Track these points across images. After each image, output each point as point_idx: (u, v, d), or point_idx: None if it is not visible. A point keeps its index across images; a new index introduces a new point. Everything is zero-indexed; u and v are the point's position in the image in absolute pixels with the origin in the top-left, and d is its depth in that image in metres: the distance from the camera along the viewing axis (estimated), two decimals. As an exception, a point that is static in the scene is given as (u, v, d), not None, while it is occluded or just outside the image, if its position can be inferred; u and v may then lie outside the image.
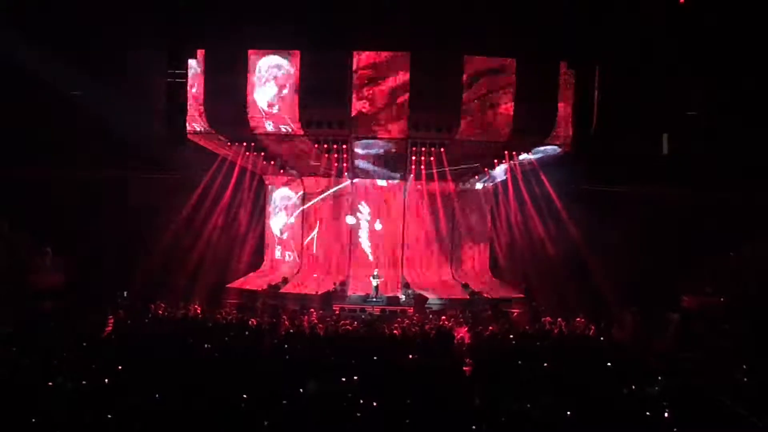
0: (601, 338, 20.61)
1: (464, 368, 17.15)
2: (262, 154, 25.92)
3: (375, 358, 16.55)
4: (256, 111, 24.00)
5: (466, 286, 26.78)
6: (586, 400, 13.41)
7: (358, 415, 12.77)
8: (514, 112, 23.76)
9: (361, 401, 13.15)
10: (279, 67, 23.82)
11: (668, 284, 23.61)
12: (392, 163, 26.05)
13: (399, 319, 22.30)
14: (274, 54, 23.85)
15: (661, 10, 22.50)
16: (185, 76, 23.43)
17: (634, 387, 14.50)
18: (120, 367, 14.96)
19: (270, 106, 23.92)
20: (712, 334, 20.78)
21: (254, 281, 27.09)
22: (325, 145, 24.96)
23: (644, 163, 25.03)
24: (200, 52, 23.88)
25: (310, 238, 27.86)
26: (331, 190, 27.41)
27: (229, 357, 16.46)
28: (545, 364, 16.15)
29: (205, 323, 21.40)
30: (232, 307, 24.23)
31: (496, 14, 22.04)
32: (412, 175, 26.06)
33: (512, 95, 23.72)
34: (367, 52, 23.61)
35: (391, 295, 25.77)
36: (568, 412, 12.67)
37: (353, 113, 23.81)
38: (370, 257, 27.27)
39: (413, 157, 25.20)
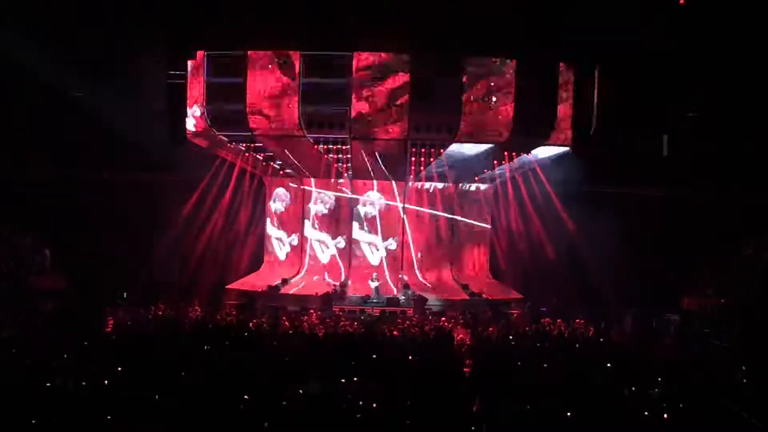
0: (601, 339, 20.62)
1: (464, 369, 17.15)
2: (262, 154, 25.93)
3: (375, 358, 16.56)
4: (256, 111, 23.99)
5: (465, 287, 26.76)
6: (586, 401, 13.41)
7: (358, 416, 12.79)
8: (514, 112, 23.74)
9: (361, 402, 13.16)
10: (279, 67, 23.84)
11: (668, 285, 23.62)
12: (392, 163, 26.02)
13: (399, 320, 22.29)
14: (274, 54, 23.85)
15: (661, 10, 22.50)
16: (185, 76, 23.45)
17: (633, 388, 14.49)
18: (120, 368, 14.96)
19: (270, 106, 23.90)
20: (711, 335, 20.79)
21: (254, 282, 27.09)
22: (325, 146, 24.95)
23: (644, 163, 25.05)
24: (200, 53, 23.88)
25: (309, 238, 27.86)
26: (331, 191, 27.42)
27: (228, 357, 16.44)
28: (545, 365, 16.15)
29: (205, 324, 21.40)
30: (231, 307, 24.24)
31: (496, 14, 22.03)
32: (411, 176, 26.07)
33: (512, 96, 23.71)
34: (367, 53, 23.62)
35: (391, 296, 25.76)
36: (568, 413, 12.67)
37: (353, 114, 23.82)
38: (370, 258, 27.28)
39: (413, 158, 25.20)
